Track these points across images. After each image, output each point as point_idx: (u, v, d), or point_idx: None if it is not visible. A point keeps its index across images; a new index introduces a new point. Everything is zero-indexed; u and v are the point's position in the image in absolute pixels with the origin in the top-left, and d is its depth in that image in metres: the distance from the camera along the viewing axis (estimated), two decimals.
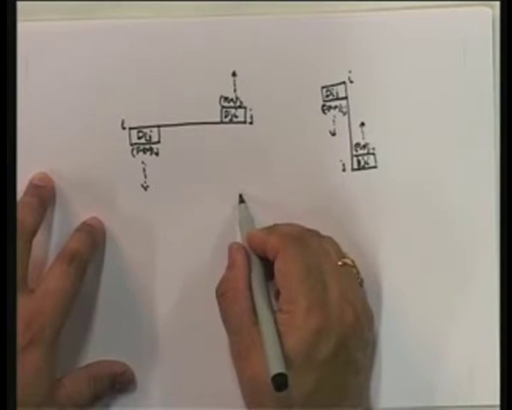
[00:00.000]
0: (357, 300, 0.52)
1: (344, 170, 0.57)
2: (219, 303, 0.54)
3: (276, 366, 0.48)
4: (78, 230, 0.56)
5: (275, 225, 0.55)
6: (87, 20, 0.56)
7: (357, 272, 0.54)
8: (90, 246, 0.55)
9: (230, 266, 0.54)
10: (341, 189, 0.57)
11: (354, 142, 0.57)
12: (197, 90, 0.56)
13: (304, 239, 0.53)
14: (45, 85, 0.56)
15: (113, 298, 0.57)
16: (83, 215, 0.56)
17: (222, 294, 0.54)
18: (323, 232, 0.55)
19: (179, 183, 0.57)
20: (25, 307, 0.51)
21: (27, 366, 0.51)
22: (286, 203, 0.57)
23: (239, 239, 0.56)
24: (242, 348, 0.52)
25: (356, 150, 0.57)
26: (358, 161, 0.57)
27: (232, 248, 0.55)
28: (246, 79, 0.56)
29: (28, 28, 0.56)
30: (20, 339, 0.50)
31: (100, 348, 0.57)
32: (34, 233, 0.54)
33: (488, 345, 0.56)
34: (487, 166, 0.57)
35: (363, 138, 0.57)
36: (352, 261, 0.54)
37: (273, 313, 0.52)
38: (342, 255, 0.54)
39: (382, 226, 0.57)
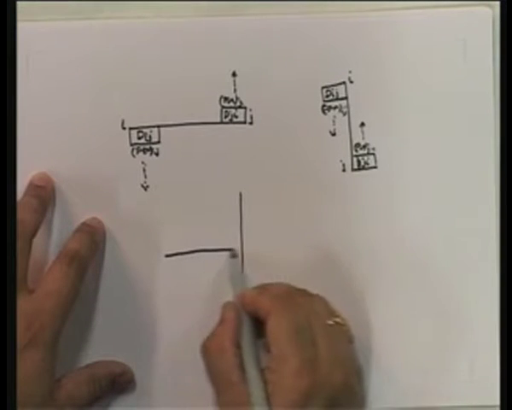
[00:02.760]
0: (346, 359, 0.52)
1: (344, 170, 0.57)
2: (205, 358, 0.53)
3: None
4: (78, 230, 0.56)
5: (265, 285, 0.54)
6: (87, 20, 0.56)
7: (348, 330, 0.54)
8: (90, 246, 0.55)
9: (220, 323, 0.54)
10: (341, 189, 0.57)
11: (354, 142, 0.57)
12: (197, 90, 0.56)
13: (294, 299, 0.53)
14: (45, 85, 0.56)
15: (113, 298, 0.57)
16: (83, 215, 0.56)
17: (208, 349, 0.53)
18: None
19: (179, 183, 0.57)
20: (25, 307, 0.51)
21: (27, 366, 0.51)
22: (285, 204, 0.57)
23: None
24: (229, 403, 0.51)
25: (356, 150, 0.57)
26: (358, 161, 0.57)
27: (224, 306, 0.55)
28: (246, 79, 0.56)
29: (28, 28, 0.56)
30: (20, 339, 0.50)
31: (100, 348, 0.57)
32: (34, 233, 0.54)
33: (488, 345, 0.56)
34: (487, 165, 0.57)
35: (363, 138, 0.57)
36: (343, 320, 0.53)
37: (262, 371, 0.51)
38: (332, 314, 0.53)
39: (381, 228, 0.57)
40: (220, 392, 0.52)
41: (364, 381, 0.55)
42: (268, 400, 0.50)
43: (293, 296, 0.53)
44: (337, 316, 0.53)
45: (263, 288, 0.54)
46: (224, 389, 0.52)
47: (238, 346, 0.52)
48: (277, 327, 0.51)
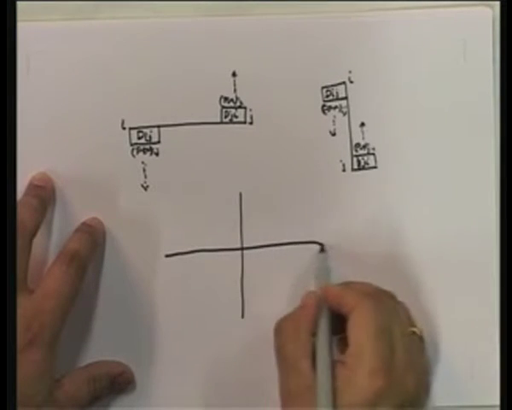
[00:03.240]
0: (420, 369, 0.52)
1: (344, 170, 0.57)
2: (277, 338, 0.53)
3: None
4: (78, 230, 0.56)
5: (350, 282, 0.54)
6: (87, 20, 0.56)
7: (424, 342, 0.54)
8: (90, 246, 0.55)
9: (299, 308, 0.53)
10: (341, 189, 0.57)
11: (354, 142, 0.57)
12: (197, 90, 0.56)
13: (379, 299, 0.52)
14: (45, 86, 0.56)
15: (113, 298, 0.57)
16: (83, 215, 0.56)
17: (283, 330, 0.53)
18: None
19: (179, 183, 0.57)
20: (24, 307, 0.51)
21: (27, 366, 0.51)
22: (286, 204, 0.57)
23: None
24: (294, 386, 0.51)
25: (356, 150, 0.57)
26: (358, 161, 0.57)
27: (306, 294, 0.54)
28: (246, 79, 0.56)
29: (28, 28, 0.56)
30: (20, 339, 0.50)
31: (99, 348, 0.57)
32: (34, 233, 0.54)
33: (488, 345, 0.56)
34: (487, 166, 0.57)
35: (363, 138, 0.57)
36: (421, 331, 0.53)
37: (333, 364, 0.51)
38: (412, 323, 0.53)
39: (381, 228, 0.57)
40: (286, 376, 0.52)
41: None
42: (333, 394, 0.49)
43: (379, 296, 0.53)
44: (415, 326, 0.53)
45: (348, 284, 0.54)
46: (291, 374, 0.51)
47: (313, 334, 0.52)
48: (360, 323, 0.51)
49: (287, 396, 0.51)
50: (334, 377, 0.50)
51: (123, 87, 0.56)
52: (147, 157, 0.57)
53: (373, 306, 0.51)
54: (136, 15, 0.56)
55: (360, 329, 0.51)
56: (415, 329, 0.53)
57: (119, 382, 0.56)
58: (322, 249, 0.56)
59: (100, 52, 0.56)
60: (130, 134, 0.56)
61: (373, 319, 0.51)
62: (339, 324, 0.53)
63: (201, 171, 0.57)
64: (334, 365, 0.51)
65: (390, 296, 0.54)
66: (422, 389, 0.53)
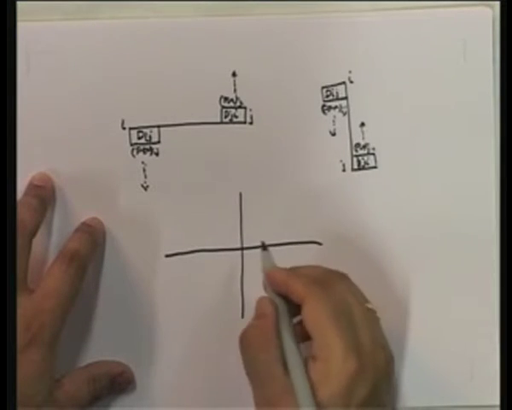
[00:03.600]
0: (384, 343, 0.52)
1: (344, 170, 0.57)
2: (244, 352, 0.51)
3: None
4: (78, 230, 0.56)
5: (297, 268, 0.53)
6: (87, 20, 0.56)
7: (379, 320, 0.53)
8: (90, 246, 0.55)
9: (259, 317, 0.52)
10: (341, 189, 0.57)
11: (354, 142, 0.57)
12: (197, 90, 0.56)
13: (329, 283, 0.51)
14: (45, 86, 0.56)
15: (113, 298, 0.57)
16: (83, 215, 0.56)
17: (250, 341, 0.51)
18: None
19: (179, 183, 0.57)
20: (24, 307, 0.51)
21: (27, 366, 0.51)
22: (286, 204, 0.57)
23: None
24: (271, 394, 0.50)
25: (356, 150, 0.57)
26: (358, 161, 0.57)
27: (261, 301, 0.53)
28: (246, 79, 0.56)
29: (28, 28, 0.56)
30: (20, 339, 0.50)
31: (99, 348, 0.57)
32: (34, 233, 0.54)
33: (488, 345, 0.56)
34: (487, 166, 0.57)
35: (363, 138, 0.57)
36: (375, 308, 0.53)
37: (303, 360, 0.50)
38: (366, 300, 0.53)
39: (381, 228, 0.57)
40: (261, 386, 0.50)
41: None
42: (311, 389, 0.49)
43: (327, 279, 0.52)
44: (370, 302, 0.52)
45: (295, 270, 0.52)
46: (266, 382, 0.50)
47: (279, 338, 0.51)
48: (316, 314, 0.50)
49: (265, 406, 0.50)
50: (308, 373, 0.49)
51: (123, 87, 0.56)
52: (147, 157, 0.57)
53: (323, 292, 0.50)
54: (136, 15, 0.56)
55: (317, 319, 0.50)
56: (370, 305, 0.52)
57: (119, 382, 0.56)
58: (265, 248, 0.54)
59: (100, 52, 0.56)
60: (130, 134, 0.56)
61: (327, 305, 0.50)
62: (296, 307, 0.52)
63: (201, 171, 0.57)
64: (305, 362, 0.50)
65: (340, 277, 0.52)
66: (391, 364, 0.52)
